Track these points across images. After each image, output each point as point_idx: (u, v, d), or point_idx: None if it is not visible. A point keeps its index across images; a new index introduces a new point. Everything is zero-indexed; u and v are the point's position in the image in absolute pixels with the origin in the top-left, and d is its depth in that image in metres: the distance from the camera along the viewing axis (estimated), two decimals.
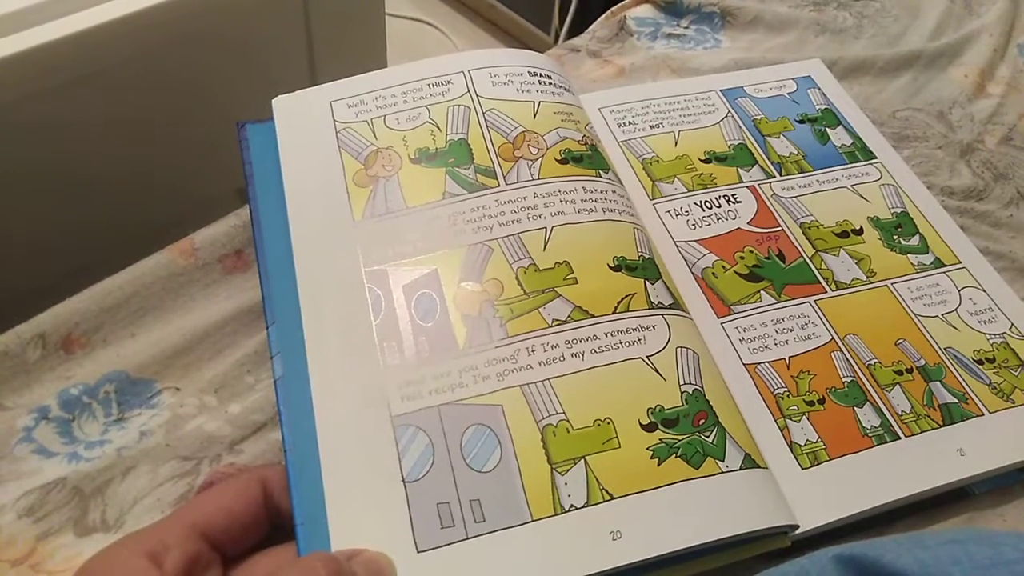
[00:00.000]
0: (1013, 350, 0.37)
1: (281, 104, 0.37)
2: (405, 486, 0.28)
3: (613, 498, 0.27)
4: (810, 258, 0.39)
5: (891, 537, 0.26)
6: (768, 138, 0.45)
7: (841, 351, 0.36)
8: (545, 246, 0.33)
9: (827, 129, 0.47)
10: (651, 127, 0.45)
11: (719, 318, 0.36)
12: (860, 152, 0.46)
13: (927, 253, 0.41)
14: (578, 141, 0.38)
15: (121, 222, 0.61)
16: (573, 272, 0.33)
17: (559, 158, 0.36)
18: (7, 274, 0.59)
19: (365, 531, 0.27)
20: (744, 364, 0.35)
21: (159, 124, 0.63)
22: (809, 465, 0.32)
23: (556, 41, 1.30)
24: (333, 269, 0.32)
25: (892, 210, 0.43)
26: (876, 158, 0.45)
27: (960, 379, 0.36)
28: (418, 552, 0.26)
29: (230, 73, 0.66)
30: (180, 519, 0.25)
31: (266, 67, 0.70)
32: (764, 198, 0.42)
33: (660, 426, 0.29)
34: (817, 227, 0.41)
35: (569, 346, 0.31)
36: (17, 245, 0.59)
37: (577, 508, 0.27)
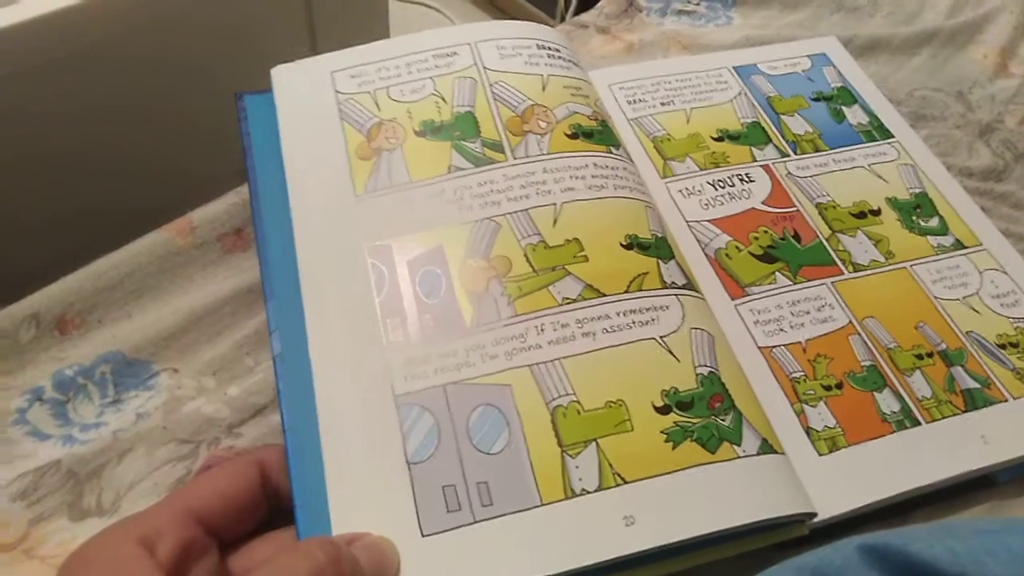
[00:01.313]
0: None
1: (280, 74, 0.36)
2: (409, 468, 0.26)
3: (626, 482, 0.26)
4: (826, 239, 0.38)
5: (917, 526, 0.25)
6: (782, 116, 0.44)
7: (859, 334, 0.35)
8: (555, 222, 0.32)
9: (843, 107, 0.45)
10: (662, 104, 0.44)
11: (733, 300, 0.35)
12: (877, 131, 0.44)
13: (947, 235, 0.40)
14: (588, 116, 0.36)
15: (119, 203, 0.60)
16: (584, 250, 0.32)
17: (569, 133, 0.35)
18: (0, 255, 0.58)
19: (367, 514, 0.26)
20: (759, 347, 0.34)
21: (157, 102, 0.61)
22: (827, 451, 0.31)
23: None
24: (334, 244, 0.31)
25: (910, 190, 0.41)
26: (893, 137, 0.44)
27: (983, 364, 0.35)
28: (423, 536, 0.25)
29: (230, 52, 0.65)
30: (174, 504, 0.24)
31: (267, 48, 0.68)
32: (778, 177, 0.41)
33: (675, 409, 0.28)
34: (833, 207, 0.40)
35: (580, 325, 0.30)
36: (11, 226, 0.58)
37: (588, 492, 0.26)
